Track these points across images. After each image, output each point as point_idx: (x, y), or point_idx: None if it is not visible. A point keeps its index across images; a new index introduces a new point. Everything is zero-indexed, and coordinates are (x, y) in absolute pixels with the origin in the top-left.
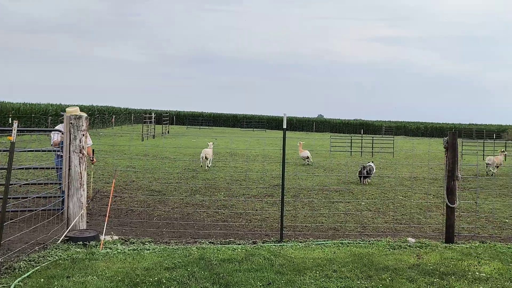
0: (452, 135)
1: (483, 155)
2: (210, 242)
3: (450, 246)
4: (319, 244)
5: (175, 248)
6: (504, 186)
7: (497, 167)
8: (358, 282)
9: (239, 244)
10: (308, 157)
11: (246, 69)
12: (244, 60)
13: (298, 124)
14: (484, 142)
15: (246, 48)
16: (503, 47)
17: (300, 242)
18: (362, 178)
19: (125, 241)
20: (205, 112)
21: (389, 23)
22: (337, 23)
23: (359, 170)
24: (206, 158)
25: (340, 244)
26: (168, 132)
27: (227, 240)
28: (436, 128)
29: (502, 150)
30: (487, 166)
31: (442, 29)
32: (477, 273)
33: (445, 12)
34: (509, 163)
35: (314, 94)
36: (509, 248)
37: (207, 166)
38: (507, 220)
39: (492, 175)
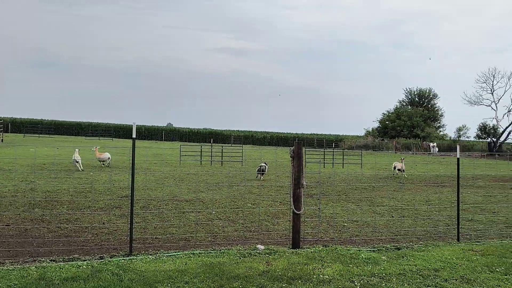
0: (297, 145)
1: (324, 162)
2: (51, 260)
3: (296, 251)
4: (170, 255)
5: (10, 269)
6: (343, 192)
7: (402, 171)
8: None
9: (84, 261)
10: (109, 158)
11: (91, 75)
12: (90, 67)
13: (147, 133)
14: (324, 151)
15: (92, 54)
16: (339, 63)
17: (151, 254)
18: (259, 175)
19: None
20: (45, 120)
21: (236, 35)
22: (186, 32)
23: (257, 168)
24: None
25: (191, 255)
26: (1, 141)
27: (71, 257)
28: (281, 138)
29: (402, 158)
30: (394, 169)
31: (286, 43)
32: (321, 275)
33: (289, 27)
34: (352, 170)
35: (163, 102)
36: (348, 250)
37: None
38: (345, 224)
39: (396, 175)
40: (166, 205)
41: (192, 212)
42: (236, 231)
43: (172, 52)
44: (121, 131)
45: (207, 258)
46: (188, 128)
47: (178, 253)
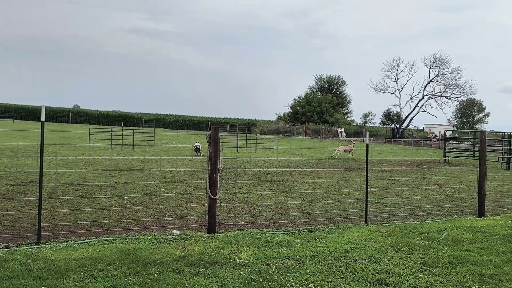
0: (214, 130)
1: (238, 147)
2: None
3: (212, 236)
4: (82, 243)
5: None
6: (256, 176)
7: (349, 152)
8: (126, 279)
9: None
10: None
11: None
12: None
13: (53, 115)
14: (238, 135)
15: None
16: (252, 48)
17: (61, 242)
18: (196, 152)
19: None
20: None
21: (147, 16)
22: (95, 10)
23: (195, 147)
24: None
25: (105, 242)
26: None
27: None
28: (194, 122)
29: (352, 141)
30: (338, 151)
31: (198, 26)
32: (237, 259)
33: (201, 10)
34: (265, 154)
35: (69, 83)
36: (263, 233)
37: None
38: (259, 208)
39: (337, 157)
40: (75, 190)
41: (104, 197)
42: (150, 216)
43: (78, 30)
44: (22, 113)
45: (121, 244)
46: (97, 110)
47: (91, 240)
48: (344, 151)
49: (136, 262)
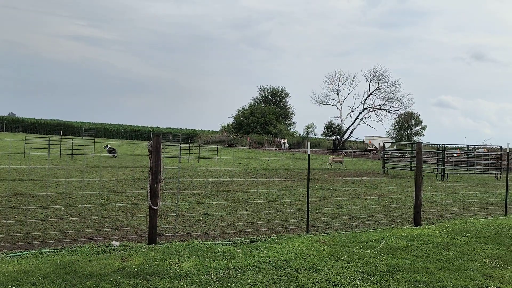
0: (156, 139)
1: (180, 157)
2: None
3: (153, 247)
4: (14, 256)
5: None
6: (198, 186)
7: (341, 163)
8: None
9: None
10: None
11: None
12: None
13: None
14: (180, 145)
15: None
16: (195, 58)
17: None
18: (112, 155)
19: None
20: None
21: (89, 22)
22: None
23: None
24: None
25: (39, 254)
26: None
27: None
28: (136, 131)
29: (343, 153)
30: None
31: (140, 35)
32: (178, 270)
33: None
34: (208, 165)
35: (4, 90)
36: (204, 244)
37: None
38: (201, 218)
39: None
40: (8, 201)
41: (39, 208)
42: (88, 227)
43: (12, 35)
44: None
45: (57, 257)
46: (34, 118)
47: (24, 252)
48: (335, 162)
49: (72, 274)
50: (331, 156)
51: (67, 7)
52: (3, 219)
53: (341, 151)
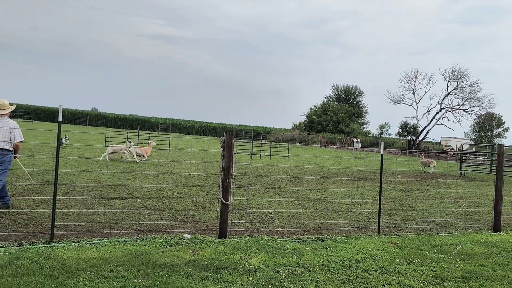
0: (229, 135)
1: (252, 154)
2: None
3: (223, 241)
4: (94, 243)
5: None
6: (269, 183)
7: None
8: (136, 280)
9: (1, 247)
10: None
11: (13, 55)
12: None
13: (71, 117)
14: (252, 142)
15: (13, 33)
16: (269, 56)
17: (73, 242)
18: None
19: None
20: None
21: (167, 22)
22: (114, 16)
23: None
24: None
25: (116, 243)
26: None
27: None
28: (210, 128)
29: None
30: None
31: (216, 34)
32: (247, 265)
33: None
34: (279, 162)
35: (88, 86)
36: (274, 240)
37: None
38: (271, 215)
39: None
40: (89, 191)
41: (117, 199)
42: (162, 219)
43: (98, 35)
44: (41, 114)
45: (132, 246)
46: (114, 113)
47: (103, 240)
48: (423, 165)
49: (146, 264)
50: (424, 159)
51: (146, 8)
52: (85, 208)
53: (420, 153)
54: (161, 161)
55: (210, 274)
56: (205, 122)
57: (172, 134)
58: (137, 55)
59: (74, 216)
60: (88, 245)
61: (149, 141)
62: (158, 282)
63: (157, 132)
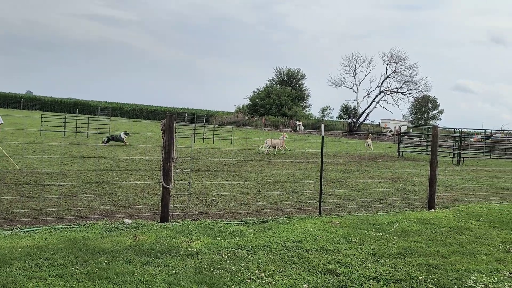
0: (169, 118)
1: (195, 137)
2: None
3: (165, 225)
4: (28, 231)
5: None
6: (212, 166)
7: (280, 147)
8: (73, 268)
9: None
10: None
11: None
12: None
13: (4, 100)
14: (195, 126)
15: None
16: (213, 39)
17: (6, 230)
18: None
19: None
20: None
21: (106, 2)
22: None
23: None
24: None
25: (52, 230)
26: None
27: None
28: (151, 111)
29: (284, 134)
30: (265, 146)
31: (157, 15)
32: (189, 249)
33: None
34: (223, 145)
35: (22, 68)
36: (216, 223)
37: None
38: (214, 198)
39: (266, 152)
40: (24, 177)
41: (54, 185)
42: (102, 205)
43: (31, 14)
44: None
45: (70, 233)
46: (51, 97)
47: (38, 228)
48: (271, 147)
49: (84, 251)
50: (269, 139)
51: None
52: (18, 195)
53: (283, 134)
54: (101, 145)
55: (151, 259)
56: (147, 105)
57: (112, 118)
58: (73, 36)
59: (7, 203)
60: (21, 233)
61: (282, 133)
62: (97, 269)
63: (96, 116)
